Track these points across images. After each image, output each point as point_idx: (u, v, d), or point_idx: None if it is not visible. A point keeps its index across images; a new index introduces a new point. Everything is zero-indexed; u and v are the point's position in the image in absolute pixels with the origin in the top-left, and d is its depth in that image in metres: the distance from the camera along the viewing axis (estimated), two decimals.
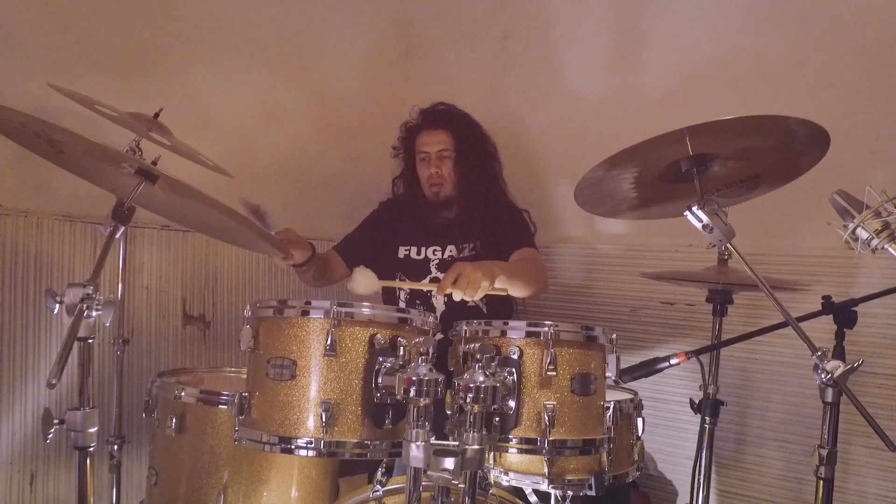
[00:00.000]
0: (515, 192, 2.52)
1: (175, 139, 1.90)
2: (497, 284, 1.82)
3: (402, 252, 2.33)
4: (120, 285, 2.03)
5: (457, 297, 1.71)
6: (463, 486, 1.09)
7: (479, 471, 1.23)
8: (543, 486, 1.64)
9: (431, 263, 2.29)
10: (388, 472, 1.46)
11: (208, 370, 1.97)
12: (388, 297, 2.28)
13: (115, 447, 1.94)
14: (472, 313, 2.17)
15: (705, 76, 2.49)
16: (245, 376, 1.85)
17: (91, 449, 1.13)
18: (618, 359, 1.42)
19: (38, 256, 2.10)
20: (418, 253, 2.31)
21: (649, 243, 2.69)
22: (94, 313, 1.08)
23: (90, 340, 1.12)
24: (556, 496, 1.75)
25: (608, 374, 1.42)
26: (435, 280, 2.22)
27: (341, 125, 3.06)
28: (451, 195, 2.30)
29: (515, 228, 2.29)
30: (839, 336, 1.81)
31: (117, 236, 1.40)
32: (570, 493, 1.72)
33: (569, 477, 1.63)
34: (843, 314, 1.79)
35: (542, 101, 2.96)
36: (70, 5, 2.11)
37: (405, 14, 3.24)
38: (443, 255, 2.29)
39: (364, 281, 1.69)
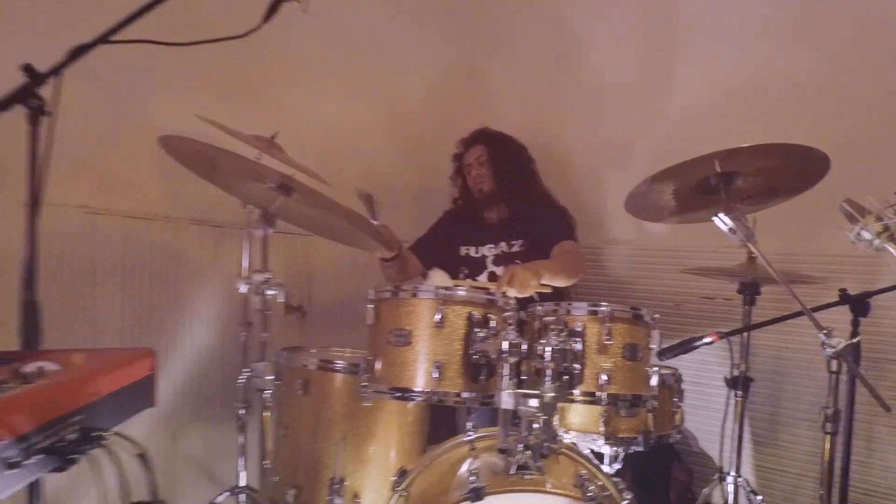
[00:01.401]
0: (568, 199, 2.87)
1: (287, 156, 2.31)
2: (544, 281, 2.23)
3: (462, 251, 2.78)
4: (244, 281, 2.44)
5: (511, 293, 2.09)
6: (542, 418, 1.44)
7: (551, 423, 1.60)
8: (599, 443, 2.00)
9: (487, 259, 2.73)
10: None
11: (318, 349, 2.37)
12: None
13: (242, 411, 2.35)
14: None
15: (737, 95, 2.78)
16: (347, 353, 2.27)
17: (267, 392, 1.53)
18: (660, 335, 1.78)
19: (175, 254, 2.55)
20: (476, 252, 2.75)
21: (691, 245, 2.99)
22: (270, 292, 1.48)
23: (268, 313, 1.52)
24: (609, 455, 2.10)
25: (652, 346, 1.77)
26: (493, 274, 2.66)
27: (413, 140, 3.45)
28: (492, 189, 2.76)
29: (555, 223, 2.70)
30: (854, 323, 2.12)
31: (260, 233, 1.83)
32: (621, 451, 2.07)
33: (620, 435, 1.99)
34: (857, 304, 2.09)
35: (591, 119, 3.29)
36: (201, 50, 2.54)
37: (467, 39, 3.61)
38: (496, 250, 2.72)
39: (439, 281, 2.10)
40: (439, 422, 2.43)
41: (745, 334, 2.35)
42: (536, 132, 3.08)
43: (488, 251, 2.73)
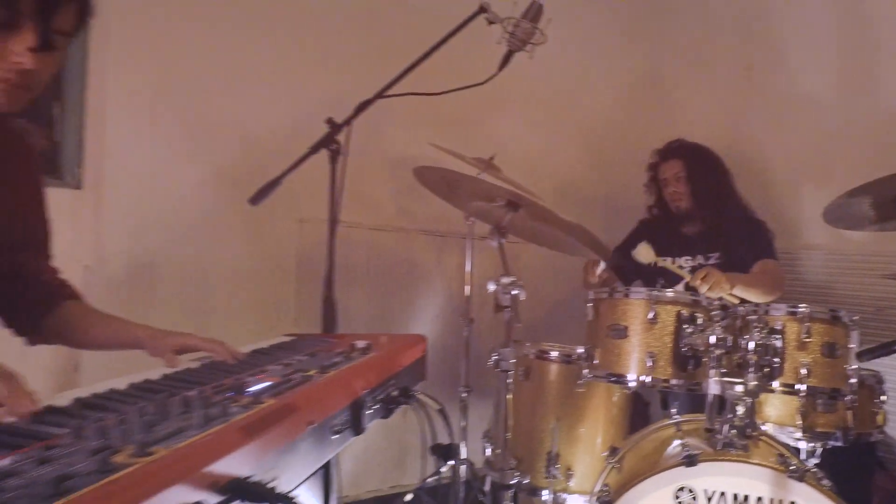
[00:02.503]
0: (759, 206, 2.98)
1: (503, 175, 2.67)
2: (735, 292, 2.37)
3: (659, 262, 2.93)
4: (467, 291, 2.84)
5: (702, 290, 2.27)
6: (746, 402, 1.66)
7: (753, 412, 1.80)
8: (796, 436, 2.15)
9: (684, 270, 2.82)
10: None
11: (532, 343, 2.71)
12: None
13: (465, 394, 2.76)
14: None
15: None
16: (557, 346, 2.59)
17: (510, 372, 1.90)
18: (859, 336, 1.91)
19: (406, 259, 3.03)
20: (672, 263, 2.86)
21: (893, 249, 2.99)
22: (514, 291, 1.85)
23: (507, 308, 1.88)
24: (805, 450, 2.23)
25: (851, 345, 1.91)
26: (687, 285, 2.74)
27: (602, 154, 3.72)
28: (689, 207, 2.86)
29: (755, 240, 2.76)
30: None
31: (495, 244, 2.19)
32: (818, 446, 2.19)
33: (818, 429, 2.12)
34: None
35: (785, 127, 3.35)
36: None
37: (653, 52, 3.80)
38: (692, 262, 2.86)
39: (644, 252, 2.34)
40: (635, 412, 2.67)
41: None
42: (727, 141, 3.21)
43: (685, 262, 2.87)
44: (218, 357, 1.37)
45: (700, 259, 2.86)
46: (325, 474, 1.60)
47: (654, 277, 2.94)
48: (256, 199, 1.91)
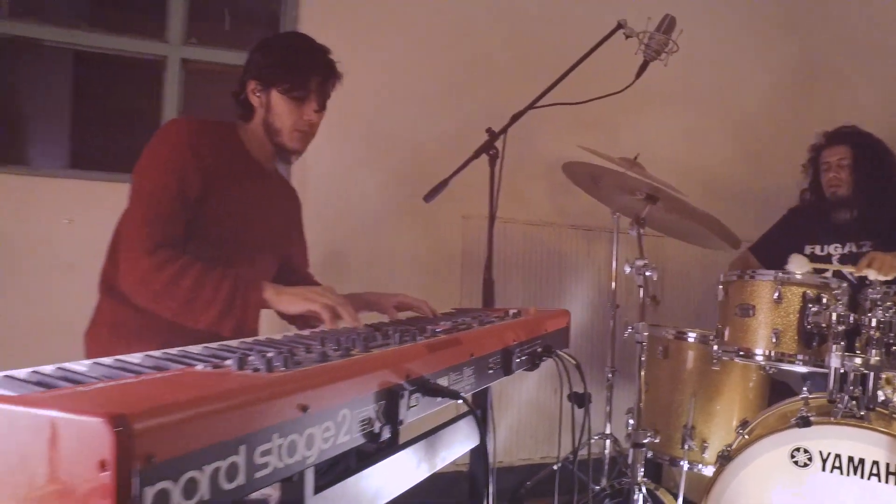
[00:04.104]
0: None
1: (647, 173, 2.89)
2: None
3: (807, 249, 2.92)
4: (613, 281, 3.09)
5: (871, 276, 2.30)
6: (869, 376, 1.79)
7: (881, 386, 1.92)
8: None
9: (833, 258, 2.85)
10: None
11: (672, 327, 2.91)
12: None
13: (610, 375, 3.01)
14: None
15: None
16: (696, 331, 2.77)
17: (644, 343, 2.15)
18: None
19: (558, 251, 3.33)
20: (822, 250, 2.89)
21: None
22: (648, 273, 2.10)
23: (641, 288, 2.14)
24: None
25: None
26: (838, 272, 2.74)
27: (752, 146, 3.78)
28: (846, 195, 2.80)
29: None
30: None
31: (634, 234, 2.44)
32: None
33: None
34: None
35: None
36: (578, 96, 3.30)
37: (809, 40, 3.79)
38: (843, 250, 2.84)
39: (798, 263, 2.44)
40: (776, 399, 2.77)
41: None
42: (885, 129, 3.13)
43: (834, 250, 2.86)
44: (422, 312, 1.88)
45: (851, 247, 2.83)
46: (484, 416, 1.95)
47: None
48: (429, 197, 2.30)
